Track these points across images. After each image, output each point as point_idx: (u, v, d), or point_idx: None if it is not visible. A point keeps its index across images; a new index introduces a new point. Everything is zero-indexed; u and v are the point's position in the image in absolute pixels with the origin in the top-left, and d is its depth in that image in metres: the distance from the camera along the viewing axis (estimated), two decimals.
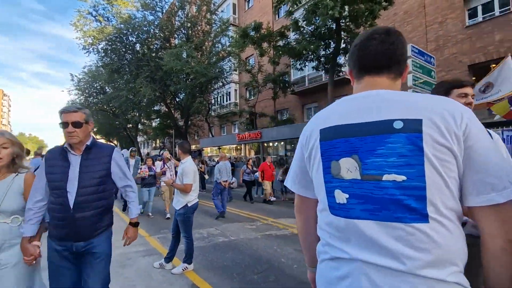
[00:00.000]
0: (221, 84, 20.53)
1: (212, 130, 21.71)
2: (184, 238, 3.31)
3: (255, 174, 9.71)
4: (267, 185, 9.31)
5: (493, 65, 11.58)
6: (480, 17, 11.77)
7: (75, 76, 27.66)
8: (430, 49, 13.00)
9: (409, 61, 7.79)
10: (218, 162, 8.02)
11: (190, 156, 3.45)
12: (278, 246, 4.52)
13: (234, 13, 25.17)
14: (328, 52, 9.76)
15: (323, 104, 17.67)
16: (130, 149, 7.64)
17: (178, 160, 3.28)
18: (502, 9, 11.13)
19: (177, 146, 3.42)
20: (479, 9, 11.85)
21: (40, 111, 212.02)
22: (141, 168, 7.02)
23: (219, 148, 16.78)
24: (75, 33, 17.49)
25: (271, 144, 13.45)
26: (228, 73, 19.74)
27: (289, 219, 6.78)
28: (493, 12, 11.41)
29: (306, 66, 11.33)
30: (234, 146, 17.33)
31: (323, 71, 11.54)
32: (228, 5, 25.34)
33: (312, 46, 8.54)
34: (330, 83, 10.24)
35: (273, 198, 9.42)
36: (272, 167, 9.46)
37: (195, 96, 18.98)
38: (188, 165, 3.31)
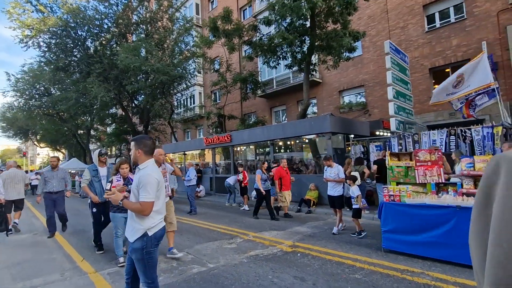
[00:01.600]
0: (184, 86, 19.24)
1: (175, 135, 20.16)
2: (145, 285, 2.24)
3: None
4: (287, 196, 7.67)
5: (447, 70, 12.31)
6: (437, 23, 12.40)
7: (12, 75, 24.11)
8: None
9: (387, 58, 7.60)
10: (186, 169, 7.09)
11: (152, 159, 2.43)
12: (274, 274, 3.55)
13: (197, 13, 24.10)
14: (304, 49, 9.30)
15: (291, 107, 17.41)
16: (98, 151, 5.04)
17: (134, 165, 2.18)
18: (457, 16, 11.82)
19: (131, 143, 2.39)
20: (437, 15, 12.48)
21: None
22: (110, 182, 4.11)
23: (185, 154, 15.45)
24: (9, 22, 14.92)
25: (240, 148, 12.57)
26: (192, 74, 18.54)
27: (272, 231, 5.96)
28: (449, 19, 12.06)
29: (279, 65, 10.78)
30: (198, 151, 16.17)
31: (297, 70, 11.09)
32: (191, 5, 24.19)
33: (291, 36, 7.93)
34: (305, 83, 9.79)
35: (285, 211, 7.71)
36: (288, 173, 7.95)
37: (156, 97, 17.40)
38: (150, 172, 2.29)
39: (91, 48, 17.58)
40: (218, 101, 21.36)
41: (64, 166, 26.16)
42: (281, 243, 5.00)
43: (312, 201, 8.60)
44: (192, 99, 23.42)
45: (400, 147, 7.70)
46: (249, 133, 11.23)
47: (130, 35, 18.03)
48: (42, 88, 25.06)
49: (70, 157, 30.68)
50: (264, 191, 7.37)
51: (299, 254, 4.35)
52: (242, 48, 19.17)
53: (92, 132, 30.02)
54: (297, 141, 12.54)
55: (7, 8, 14.78)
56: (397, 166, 4.67)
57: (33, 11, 15.38)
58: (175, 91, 19.59)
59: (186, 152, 15.70)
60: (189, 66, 17.64)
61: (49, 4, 15.67)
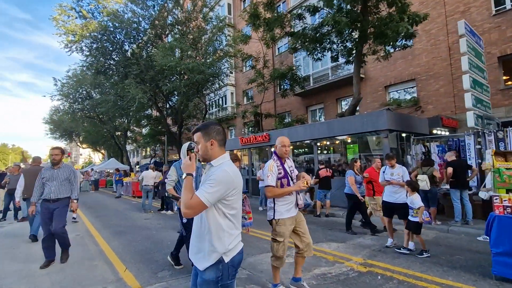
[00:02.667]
0: (217, 86, 19.01)
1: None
2: None
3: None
4: (379, 202, 5.85)
5: None
6: (508, 4, 10.69)
7: (59, 80, 25.66)
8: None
9: (462, 41, 6.42)
10: None
11: (227, 154, 1.78)
12: None
13: (229, 13, 23.90)
14: (354, 37, 8.32)
15: (330, 105, 16.31)
16: (188, 144, 3.21)
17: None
18: None
19: (196, 134, 1.66)
20: None
21: (24, 121, 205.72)
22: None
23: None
24: (55, 29, 15.65)
25: None
26: (225, 74, 18.24)
27: (331, 243, 5.12)
28: None
29: (324, 56, 9.87)
30: (234, 152, 15.69)
31: (341, 63, 10.10)
32: (224, 4, 24.06)
33: (344, 19, 7.01)
34: (356, 75, 8.78)
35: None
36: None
37: (190, 98, 17.34)
38: (226, 168, 1.59)
39: (129, 51, 18.00)
40: (252, 100, 20.89)
41: (103, 166, 27.20)
42: (348, 259, 4.16)
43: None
44: (224, 99, 23.20)
45: (478, 146, 6.45)
46: (289, 132, 10.44)
47: (165, 36, 18.18)
48: (84, 92, 26.45)
49: (109, 157, 32.06)
50: (361, 198, 6.00)
51: (379, 277, 3.48)
52: (275, 45, 18.54)
53: (128, 134, 31.16)
54: (337, 141, 11.51)
55: (53, 15, 15.50)
56: (506, 169, 3.61)
57: (76, 18, 16.02)
58: (208, 91, 19.50)
59: None
60: (222, 65, 17.35)
61: (91, 9, 16.23)
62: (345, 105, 15.87)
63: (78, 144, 41.01)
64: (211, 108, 23.12)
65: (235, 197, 1.60)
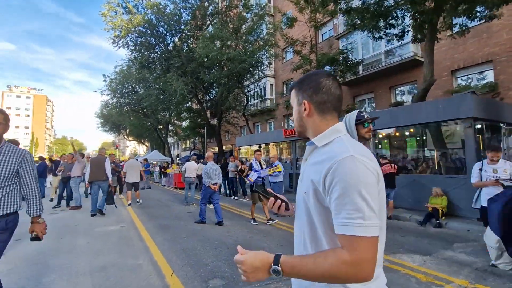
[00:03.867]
0: (257, 77, 18.36)
1: (249, 127, 19.42)
2: None
3: None
4: None
5: None
6: None
7: (108, 76, 27.19)
8: None
9: None
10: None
11: (341, 124, 0.98)
12: None
13: (269, 1, 22.95)
14: (428, 8, 6.93)
15: (381, 94, 14.66)
16: (357, 112, 2.66)
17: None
18: None
19: (293, 91, 1.00)
20: None
21: (80, 116, 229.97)
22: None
23: (260, 147, 14.43)
24: (104, 25, 16.25)
25: None
26: (266, 64, 17.48)
27: (413, 255, 4.13)
28: None
29: (387, 35, 8.52)
30: (271, 144, 14.88)
31: (399, 45, 8.65)
32: None
33: None
34: (428, 53, 7.33)
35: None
36: None
37: (230, 89, 16.95)
38: (353, 153, 0.82)
39: (170, 45, 18.15)
40: (286, 94, 19.87)
41: (147, 157, 28.45)
42: (448, 281, 3.17)
43: (440, 211, 6.34)
44: (263, 91, 22.48)
45: None
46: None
47: (206, 27, 17.97)
48: (130, 87, 27.78)
49: (152, 149, 33.52)
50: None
51: None
52: (319, 31, 17.19)
53: (170, 127, 32.20)
54: (397, 133, 10.07)
55: (102, 11, 16.07)
56: None
57: (123, 13, 16.45)
58: (248, 82, 18.98)
59: (261, 145, 14.66)
60: (262, 55, 16.61)
61: (136, 4, 16.52)
62: (399, 94, 14.16)
63: (125, 136, 43.72)
64: (252, 100, 22.58)
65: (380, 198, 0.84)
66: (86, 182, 7.80)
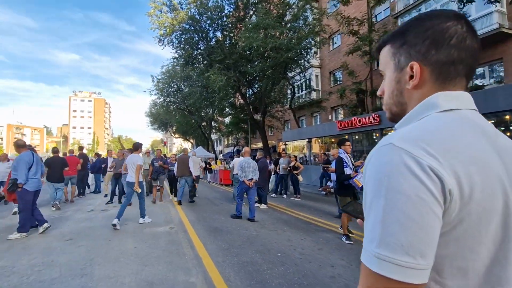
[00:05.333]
0: (302, 67, 17.14)
1: (298, 121, 18.30)
2: None
3: None
4: None
5: None
6: None
7: (155, 77, 28.32)
8: None
9: None
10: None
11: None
12: None
13: None
14: None
15: None
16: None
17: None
18: None
19: (386, 47, 0.64)
20: None
21: (133, 117, 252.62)
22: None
23: (309, 142, 13.31)
24: (151, 24, 16.57)
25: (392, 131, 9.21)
26: (313, 52, 16.18)
27: None
28: None
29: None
30: (320, 138, 13.55)
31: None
32: None
33: None
34: None
35: None
36: None
37: (275, 81, 16.06)
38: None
39: (213, 40, 17.91)
40: (338, 83, 18.21)
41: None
42: None
43: None
44: (308, 82, 21.13)
45: None
46: None
47: (248, 17, 17.31)
48: (175, 85, 28.62)
49: (197, 146, 34.38)
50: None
51: None
52: (373, 10, 15.31)
53: (213, 124, 32.61)
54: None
55: (148, 11, 16.37)
56: None
57: (167, 11, 16.58)
58: (293, 73, 17.92)
59: (310, 139, 13.51)
60: (309, 43, 15.36)
61: (180, 1, 16.51)
62: (475, 76, 11.82)
63: (172, 134, 45.83)
64: (297, 92, 21.40)
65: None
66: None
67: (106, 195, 9.46)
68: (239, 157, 9.36)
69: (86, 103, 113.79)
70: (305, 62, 16.67)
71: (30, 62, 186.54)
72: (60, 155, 8.78)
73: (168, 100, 30.15)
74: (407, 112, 0.64)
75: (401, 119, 0.65)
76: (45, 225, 5.04)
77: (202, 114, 29.81)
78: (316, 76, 21.49)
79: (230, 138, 35.67)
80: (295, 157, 9.60)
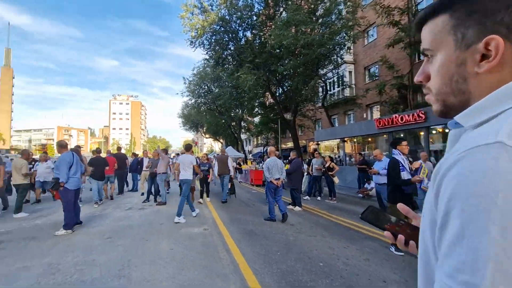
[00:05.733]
0: (334, 64, 16.43)
1: (331, 119, 17.59)
2: None
3: None
4: None
5: None
6: None
7: (187, 79, 29.16)
8: None
9: None
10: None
11: None
12: None
13: None
14: None
15: None
16: None
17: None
18: None
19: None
20: None
21: (166, 118, 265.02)
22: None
23: (344, 141, 12.66)
24: (183, 27, 16.98)
25: (438, 130, 8.25)
26: (347, 46, 15.43)
27: None
28: None
29: None
30: (351, 138, 12.74)
31: None
32: None
33: None
34: None
35: None
36: None
37: (306, 79, 15.57)
38: None
39: (243, 40, 17.90)
40: (375, 78, 17.14)
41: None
42: None
43: None
44: (341, 79, 20.26)
45: None
46: None
47: (279, 14, 17.03)
48: (206, 87, 29.22)
49: (227, 146, 34.85)
50: None
51: None
52: None
53: (242, 124, 32.78)
54: None
55: (181, 13, 16.79)
56: None
57: (198, 13, 16.87)
58: (325, 70, 17.29)
59: (346, 139, 12.85)
60: (342, 38, 14.65)
61: (211, 3, 16.71)
62: None
63: (202, 134, 46.97)
64: (331, 89, 20.66)
65: None
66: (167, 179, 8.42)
67: (142, 194, 9.77)
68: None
69: (124, 106, 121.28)
70: (338, 58, 15.95)
71: (77, 69, 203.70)
72: (103, 155, 9.26)
73: (199, 101, 30.87)
74: (469, 104, 0.49)
75: (459, 113, 0.50)
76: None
77: (232, 114, 30.09)
78: (350, 72, 20.54)
79: (259, 138, 35.60)
80: (330, 157, 9.11)
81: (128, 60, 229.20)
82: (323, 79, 16.39)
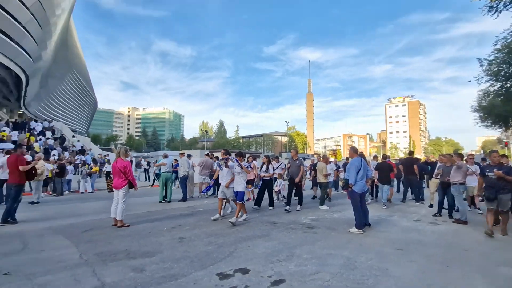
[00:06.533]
0: None
1: None
2: None
3: None
4: None
5: None
6: None
7: (484, 59, 22.25)
8: None
9: None
10: None
11: None
12: None
13: None
14: None
15: None
16: None
17: None
18: None
19: None
20: None
21: (452, 114, 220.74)
22: None
23: None
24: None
25: None
26: None
27: None
28: None
29: None
30: None
31: None
32: None
33: None
34: None
35: None
36: None
37: None
38: None
39: None
40: None
41: None
42: None
43: None
44: None
45: None
46: None
47: None
48: None
49: None
50: None
51: None
52: None
53: None
54: None
55: None
56: None
57: None
58: None
59: None
60: None
61: None
62: None
63: None
64: None
65: None
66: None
67: (431, 205, 8.50)
68: None
69: (400, 108, 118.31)
70: None
71: (355, 82, 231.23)
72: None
73: (508, 84, 22.22)
74: None
75: None
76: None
77: None
78: None
79: None
80: None
81: (401, 60, 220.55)
82: None
